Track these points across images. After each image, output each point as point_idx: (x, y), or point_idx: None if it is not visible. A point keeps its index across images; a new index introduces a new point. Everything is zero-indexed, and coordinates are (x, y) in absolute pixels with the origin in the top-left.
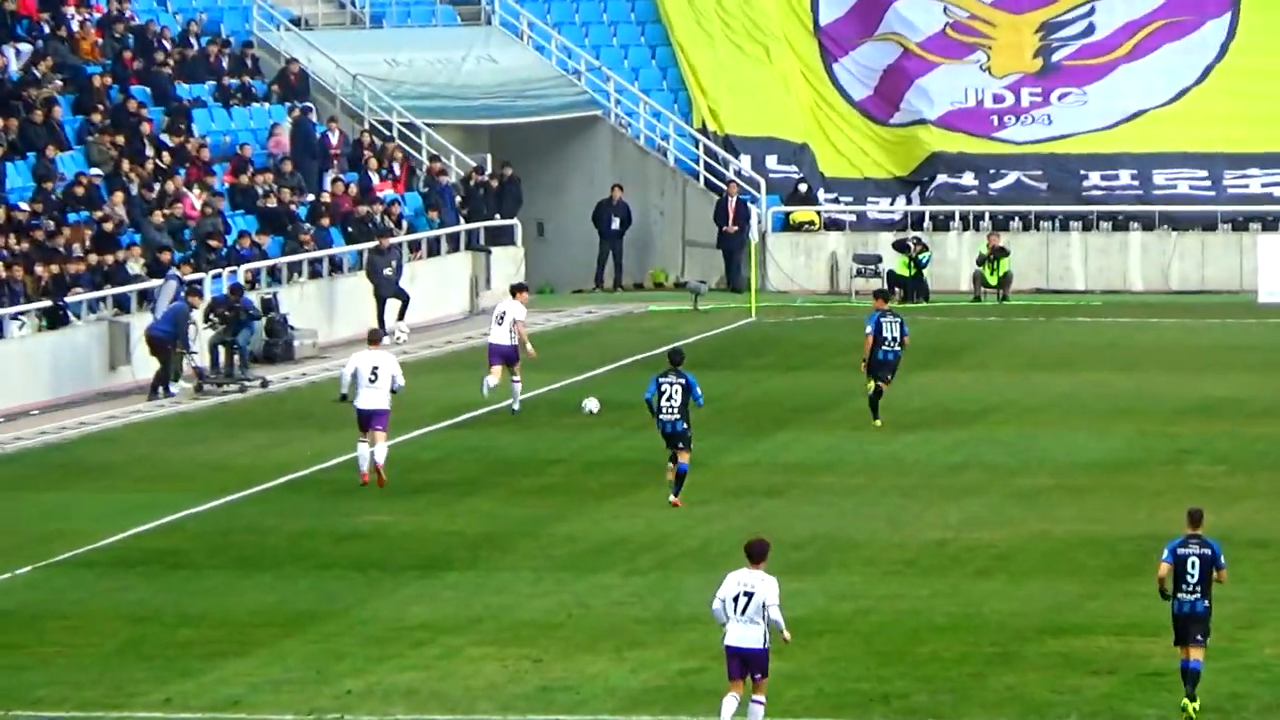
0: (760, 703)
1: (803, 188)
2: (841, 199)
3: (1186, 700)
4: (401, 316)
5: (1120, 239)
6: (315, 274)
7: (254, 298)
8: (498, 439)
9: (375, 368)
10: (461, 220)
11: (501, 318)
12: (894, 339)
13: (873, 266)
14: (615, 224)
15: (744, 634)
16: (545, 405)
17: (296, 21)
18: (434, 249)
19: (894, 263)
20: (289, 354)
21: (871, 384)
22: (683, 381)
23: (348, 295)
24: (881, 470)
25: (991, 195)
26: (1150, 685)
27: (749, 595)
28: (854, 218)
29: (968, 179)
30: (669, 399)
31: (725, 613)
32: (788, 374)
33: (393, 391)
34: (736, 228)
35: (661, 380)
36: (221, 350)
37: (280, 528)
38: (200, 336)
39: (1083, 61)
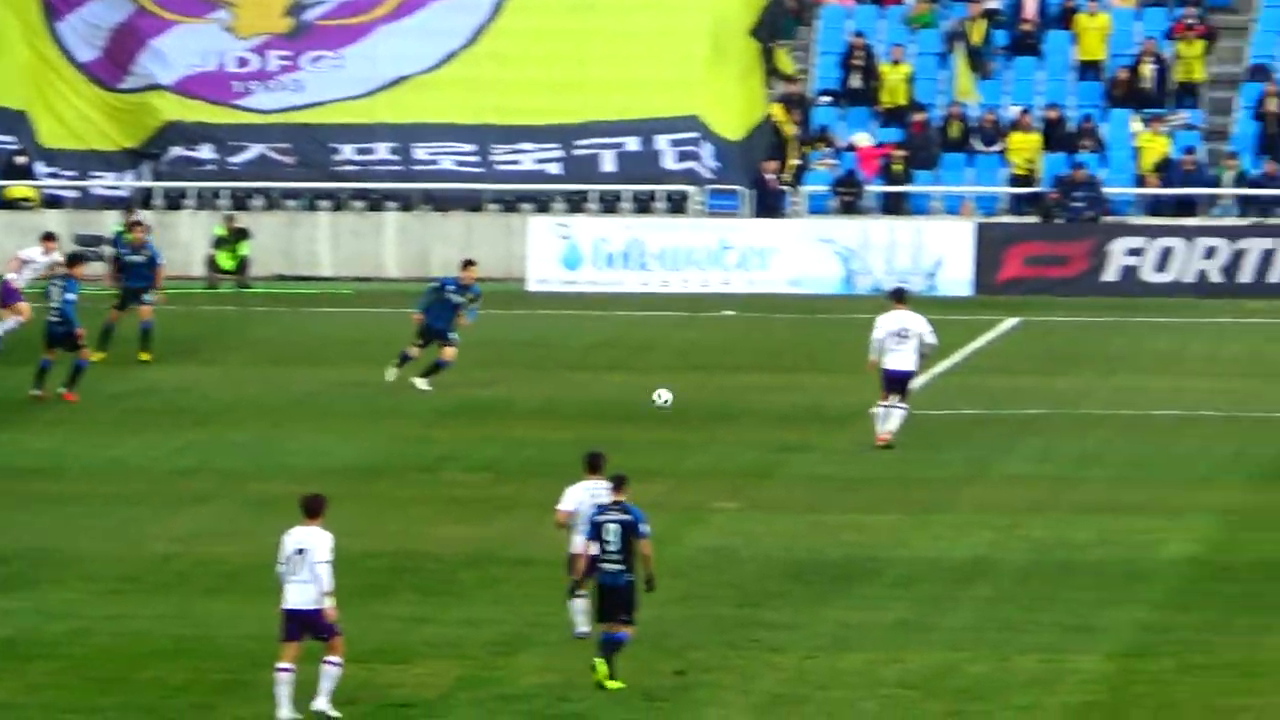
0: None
1: (20, 160)
2: (63, 173)
3: (598, 661)
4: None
5: (375, 220)
6: None
7: None
8: None
9: None
10: None
11: None
12: None
13: (94, 249)
14: None
15: None
16: None
17: None
18: None
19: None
20: None
21: None
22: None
23: None
24: (104, 476)
25: (232, 170)
26: (395, 718)
27: None
28: (78, 194)
29: (205, 151)
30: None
31: None
32: None
33: None
34: None
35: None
36: None
37: None
38: None
39: (339, 21)
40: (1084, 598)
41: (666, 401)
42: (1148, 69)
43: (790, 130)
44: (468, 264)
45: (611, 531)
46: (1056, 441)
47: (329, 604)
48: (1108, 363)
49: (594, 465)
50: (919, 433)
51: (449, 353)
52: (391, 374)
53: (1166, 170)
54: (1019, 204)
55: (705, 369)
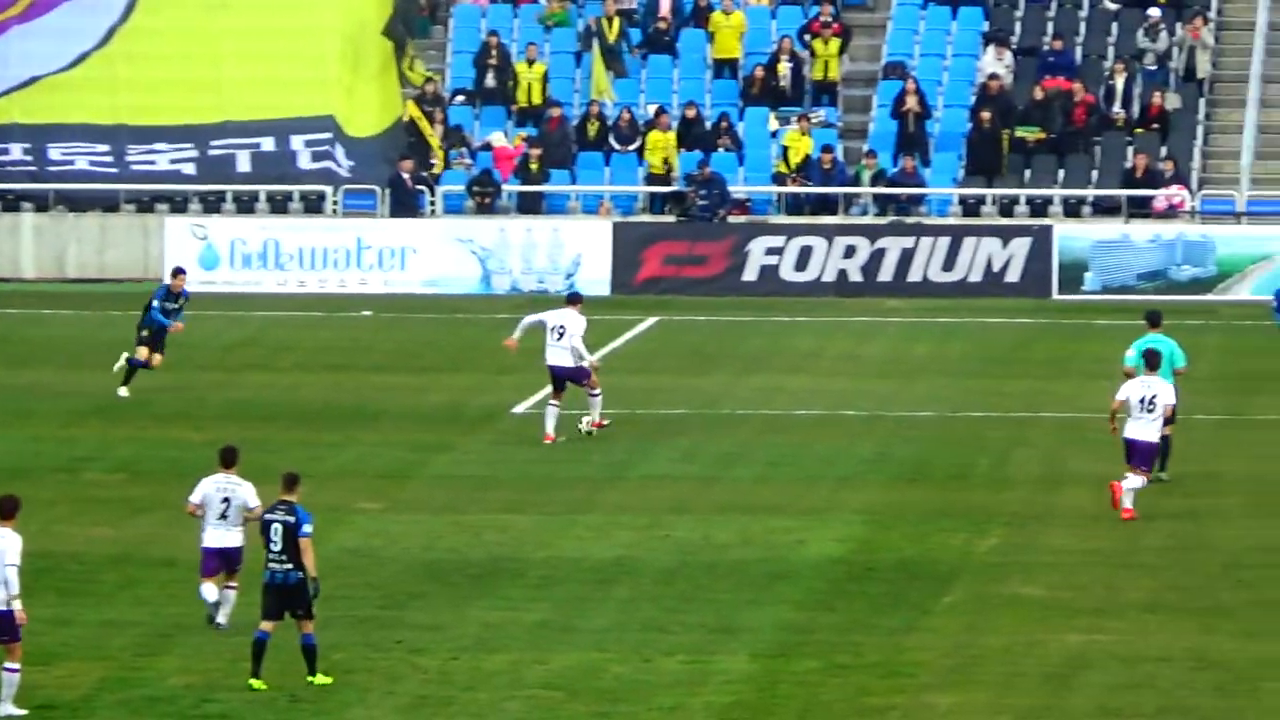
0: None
1: None
2: None
3: (309, 676)
4: None
5: (10, 221)
6: None
7: None
8: None
9: None
10: None
11: None
12: None
13: None
14: None
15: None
16: None
17: None
18: None
19: None
20: None
21: None
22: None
23: None
24: None
25: None
26: None
27: None
28: None
29: None
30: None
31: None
32: None
33: None
34: None
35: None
36: None
37: None
38: None
39: None
40: (727, 598)
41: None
42: (784, 67)
43: (430, 130)
44: (178, 272)
45: (276, 531)
46: (698, 442)
47: (18, 607)
48: (748, 362)
49: (225, 459)
50: (561, 433)
51: (158, 359)
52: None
53: (805, 169)
54: (657, 203)
55: (344, 369)
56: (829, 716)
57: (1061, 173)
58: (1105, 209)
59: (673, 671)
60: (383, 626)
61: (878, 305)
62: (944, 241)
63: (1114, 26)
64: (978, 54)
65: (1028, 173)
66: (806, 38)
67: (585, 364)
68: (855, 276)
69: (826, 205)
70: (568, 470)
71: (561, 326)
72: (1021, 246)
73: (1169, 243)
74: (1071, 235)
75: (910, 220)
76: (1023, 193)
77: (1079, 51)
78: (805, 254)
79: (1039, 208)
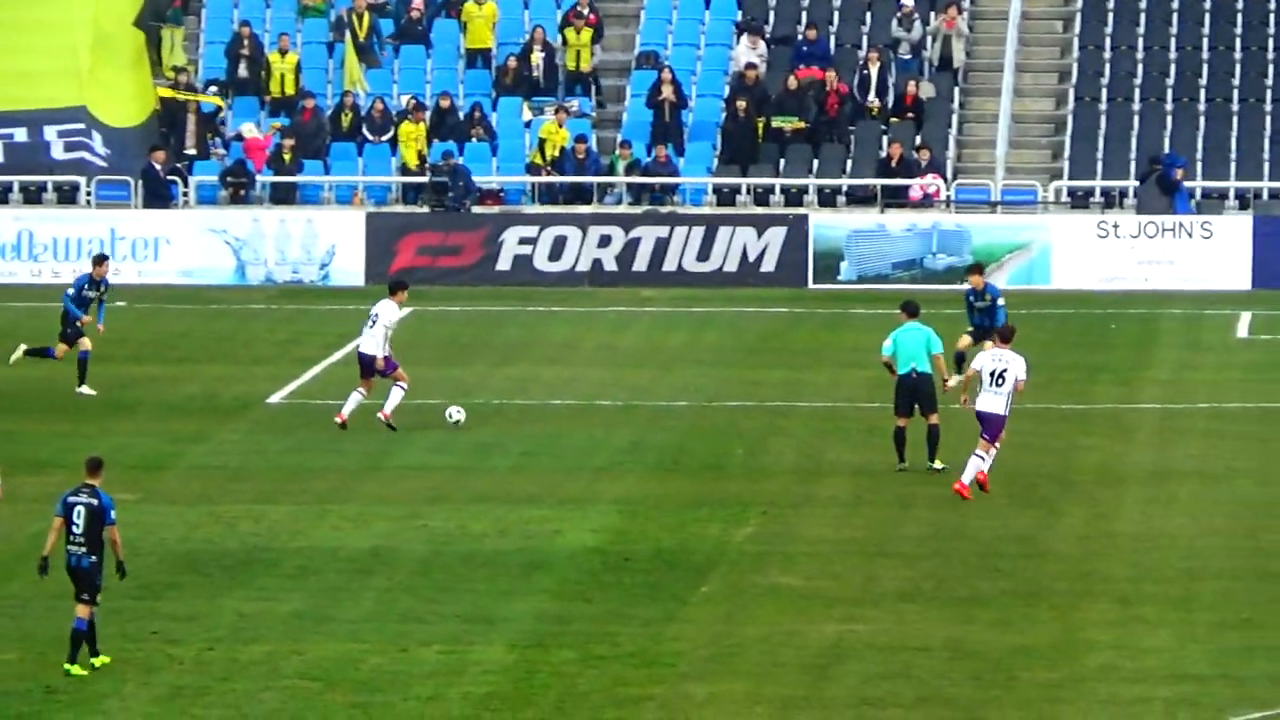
0: None
1: None
2: None
3: (67, 664)
4: None
5: None
6: None
7: None
8: None
9: None
10: None
11: None
12: None
13: None
14: None
15: None
16: None
17: None
18: None
19: None
20: None
21: None
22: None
23: None
24: None
25: None
26: None
27: None
28: None
29: None
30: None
31: None
32: None
33: None
34: None
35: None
36: None
37: None
38: None
39: None
40: (484, 588)
41: (458, 420)
42: (537, 57)
43: (188, 119)
44: (100, 259)
45: (79, 514)
46: (454, 432)
47: None
48: (504, 353)
49: None
50: (316, 424)
51: (86, 342)
52: (87, 389)
53: (559, 158)
54: (410, 193)
55: (99, 360)
56: (586, 707)
57: (816, 162)
58: (860, 198)
59: (430, 662)
60: (138, 617)
61: (633, 295)
62: (699, 231)
63: (868, 15)
64: (731, 43)
65: (783, 162)
66: (562, 28)
67: (389, 354)
68: (610, 266)
69: (581, 195)
70: (323, 461)
71: (375, 314)
72: (777, 236)
73: (924, 232)
74: (827, 225)
75: (665, 210)
76: (778, 182)
77: (833, 40)
78: (559, 244)
79: (794, 197)
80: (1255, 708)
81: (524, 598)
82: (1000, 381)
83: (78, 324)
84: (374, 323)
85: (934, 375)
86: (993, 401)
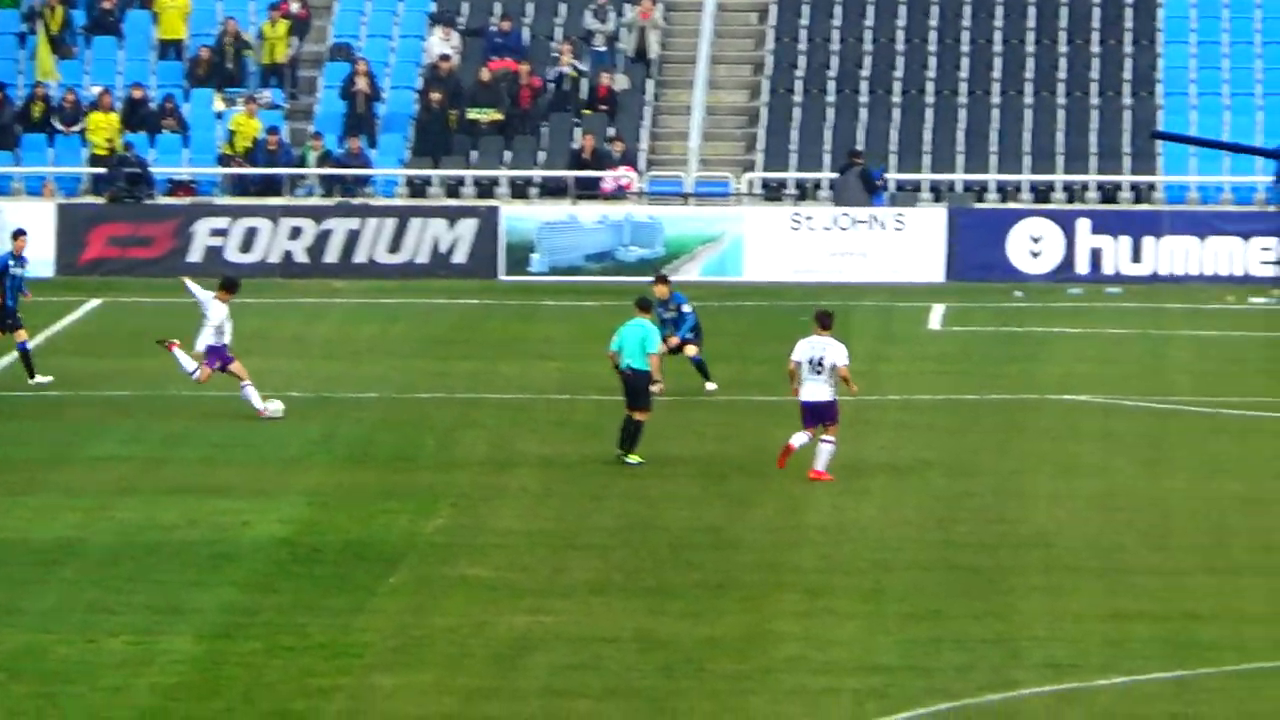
0: None
1: None
2: None
3: None
4: None
5: None
6: None
7: None
8: None
9: None
10: None
11: None
12: None
13: None
14: None
15: None
16: None
17: None
18: None
19: None
20: None
21: None
22: None
23: None
24: None
25: None
26: None
27: None
28: None
29: None
30: None
31: None
32: None
33: None
34: None
35: None
36: None
37: None
38: None
39: None
40: (173, 579)
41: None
42: (230, 49)
43: None
44: (18, 234)
45: None
46: (144, 423)
47: None
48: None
49: None
50: (3, 415)
51: (23, 334)
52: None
53: (252, 150)
54: (100, 184)
55: None
56: (274, 697)
57: (508, 154)
58: (553, 190)
59: (118, 652)
60: None
61: (324, 286)
62: (390, 223)
63: (562, 8)
64: (424, 35)
65: (475, 154)
66: (255, 20)
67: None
68: (301, 258)
69: (272, 187)
70: (11, 452)
71: (207, 309)
72: (468, 228)
73: (616, 224)
74: (518, 216)
75: (356, 201)
76: (469, 174)
77: (526, 32)
78: (251, 235)
79: (486, 189)
80: (943, 699)
81: (212, 589)
82: (819, 368)
83: (20, 297)
84: (205, 320)
85: (649, 373)
86: (817, 390)
